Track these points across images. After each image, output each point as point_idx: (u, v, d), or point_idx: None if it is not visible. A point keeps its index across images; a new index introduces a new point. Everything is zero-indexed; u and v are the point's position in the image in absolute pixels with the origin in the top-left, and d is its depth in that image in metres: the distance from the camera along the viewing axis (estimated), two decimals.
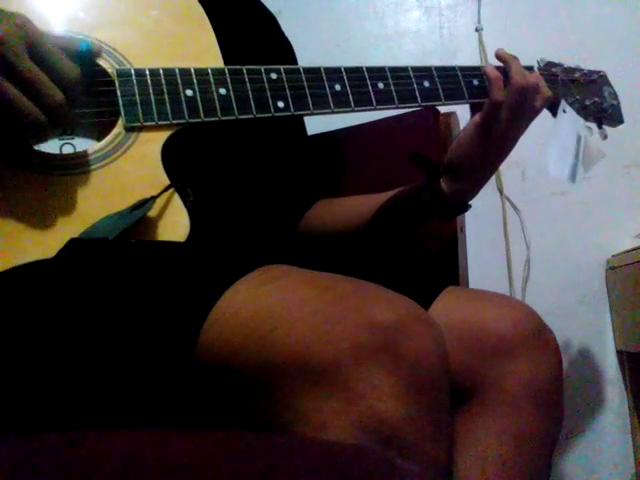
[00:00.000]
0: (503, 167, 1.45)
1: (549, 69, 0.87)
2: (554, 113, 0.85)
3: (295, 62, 0.95)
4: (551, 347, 0.69)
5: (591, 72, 0.91)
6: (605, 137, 0.90)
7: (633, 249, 1.29)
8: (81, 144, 0.65)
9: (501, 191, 1.45)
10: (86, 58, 0.61)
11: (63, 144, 0.65)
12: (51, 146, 0.64)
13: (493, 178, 1.46)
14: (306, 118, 0.97)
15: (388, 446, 0.43)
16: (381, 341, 0.46)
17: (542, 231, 1.44)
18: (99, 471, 0.33)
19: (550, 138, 0.83)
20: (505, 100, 0.75)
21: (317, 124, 1.07)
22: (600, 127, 0.90)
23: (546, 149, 0.82)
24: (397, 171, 1.05)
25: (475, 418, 0.66)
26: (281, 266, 0.56)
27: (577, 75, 0.89)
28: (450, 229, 0.99)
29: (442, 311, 0.70)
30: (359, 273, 0.55)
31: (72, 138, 0.65)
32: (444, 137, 1.02)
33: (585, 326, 1.41)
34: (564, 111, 0.83)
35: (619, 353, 1.40)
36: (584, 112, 0.88)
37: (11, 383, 0.52)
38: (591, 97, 0.89)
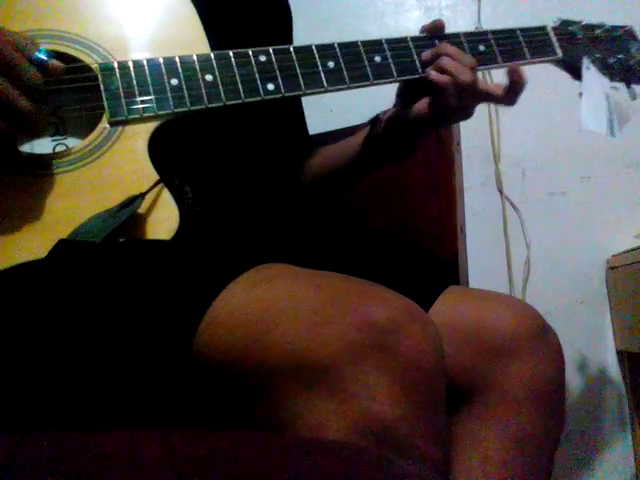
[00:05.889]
0: (503, 167, 1.47)
1: (565, 28, 0.82)
2: (577, 75, 0.80)
3: (291, 31, 0.93)
4: (553, 347, 0.69)
5: (615, 27, 0.85)
6: (634, 97, 0.81)
7: (633, 249, 1.30)
8: (74, 143, 0.64)
9: (501, 191, 1.46)
10: (41, 64, 0.57)
11: (56, 144, 0.64)
12: (44, 146, 0.63)
13: (493, 179, 1.47)
14: (308, 117, 0.97)
15: (384, 446, 0.43)
16: (376, 341, 0.46)
17: (542, 231, 1.44)
18: (98, 472, 0.33)
19: (582, 93, 0.78)
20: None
21: (318, 124, 1.07)
22: (629, 86, 0.83)
23: (579, 105, 0.78)
24: (398, 168, 1.05)
25: (477, 418, 0.66)
26: (275, 265, 0.56)
27: (598, 32, 0.83)
28: (450, 229, 0.99)
29: (444, 310, 0.69)
30: (359, 272, 0.55)
31: (64, 138, 0.64)
32: (444, 134, 1.02)
33: (585, 326, 1.41)
34: (588, 68, 0.79)
35: (619, 353, 1.40)
36: (608, 72, 0.82)
37: (5, 384, 0.52)
38: (614, 54, 0.82)
